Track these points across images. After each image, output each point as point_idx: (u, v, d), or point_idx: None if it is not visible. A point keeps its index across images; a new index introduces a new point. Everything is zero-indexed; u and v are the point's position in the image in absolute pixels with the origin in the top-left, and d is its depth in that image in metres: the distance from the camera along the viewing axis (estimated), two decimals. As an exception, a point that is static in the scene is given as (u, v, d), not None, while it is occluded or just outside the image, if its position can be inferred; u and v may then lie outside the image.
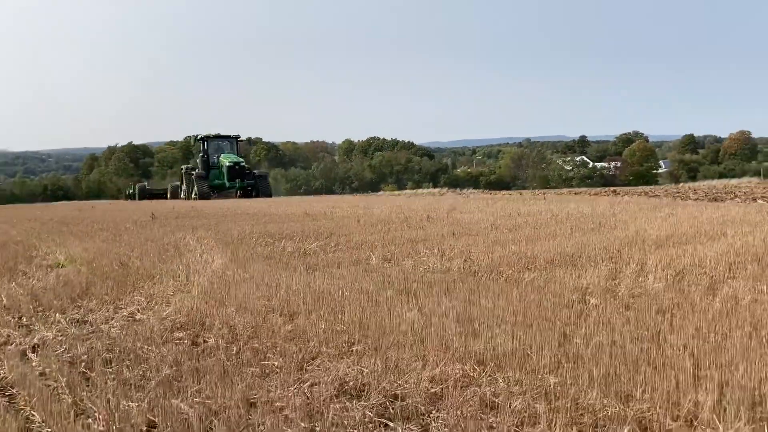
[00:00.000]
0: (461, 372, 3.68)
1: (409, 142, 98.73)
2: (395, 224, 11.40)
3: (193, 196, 34.34)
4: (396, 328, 4.44)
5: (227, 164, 34.37)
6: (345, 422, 3.09)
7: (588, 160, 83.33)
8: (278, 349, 4.25)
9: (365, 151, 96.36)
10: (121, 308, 5.75)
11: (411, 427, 3.04)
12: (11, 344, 4.74)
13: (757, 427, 2.81)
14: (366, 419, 3.13)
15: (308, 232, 10.33)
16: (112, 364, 4.05)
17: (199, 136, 37.49)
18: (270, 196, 33.84)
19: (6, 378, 4.00)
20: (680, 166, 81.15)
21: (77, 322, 5.32)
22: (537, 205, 15.52)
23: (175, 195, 37.33)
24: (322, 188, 67.72)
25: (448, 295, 5.35)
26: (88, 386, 3.67)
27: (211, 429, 3.05)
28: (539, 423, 3.02)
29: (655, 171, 79.30)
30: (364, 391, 3.51)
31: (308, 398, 3.37)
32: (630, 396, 3.20)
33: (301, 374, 3.78)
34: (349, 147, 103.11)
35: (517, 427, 3.02)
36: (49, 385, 3.74)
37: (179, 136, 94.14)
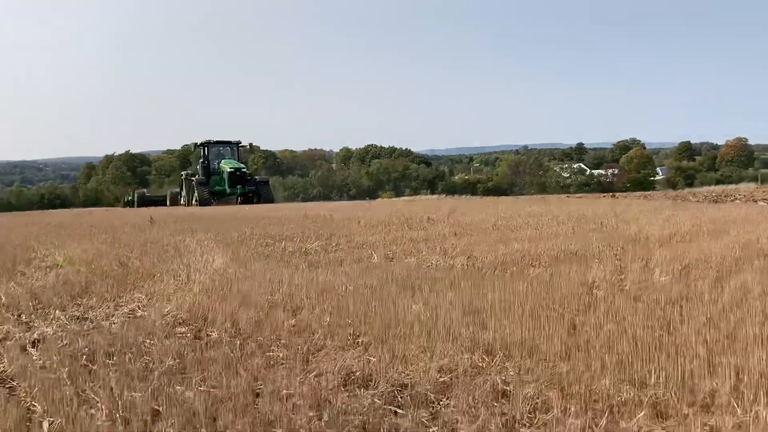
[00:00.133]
0: (470, 362, 3.62)
1: (406, 149, 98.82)
2: (396, 225, 11.35)
3: (193, 202, 33.88)
4: (402, 320, 4.38)
5: (228, 170, 33.89)
6: (353, 410, 3.02)
7: (585, 167, 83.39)
8: (282, 342, 4.18)
9: (363, 158, 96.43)
10: (122, 305, 5.67)
11: (422, 413, 2.98)
12: (10, 339, 4.66)
13: (776, 411, 2.75)
14: (375, 406, 3.06)
15: (308, 233, 10.28)
16: (114, 358, 3.98)
17: (199, 142, 37.01)
18: (272, 202, 33.43)
19: (6, 371, 3.92)
20: (677, 172, 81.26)
21: (77, 319, 5.24)
22: (537, 207, 15.49)
23: (175, 202, 36.84)
24: (319, 196, 67.60)
25: (453, 289, 5.29)
26: (90, 377, 3.59)
27: (216, 417, 2.98)
28: (552, 409, 2.96)
29: (652, 178, 79.40)
30: (371, 380, 3.44)
31: (315, 388, 3.30)
32: (644, 383, 3.14)
33: (306, 365, 3.71)
34: (346, 155, 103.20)
35: (529, 413, 2.96)
36: (50, 377, 3.66)
37: (177, 145, 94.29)
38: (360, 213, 15.43)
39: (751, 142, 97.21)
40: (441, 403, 3.13)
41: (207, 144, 36.23)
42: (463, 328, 4.09)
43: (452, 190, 62.43)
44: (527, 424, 2.88)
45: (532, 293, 4.99)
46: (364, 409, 3.03)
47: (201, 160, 36.17)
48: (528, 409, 2.99)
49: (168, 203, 36.99)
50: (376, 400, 3.14)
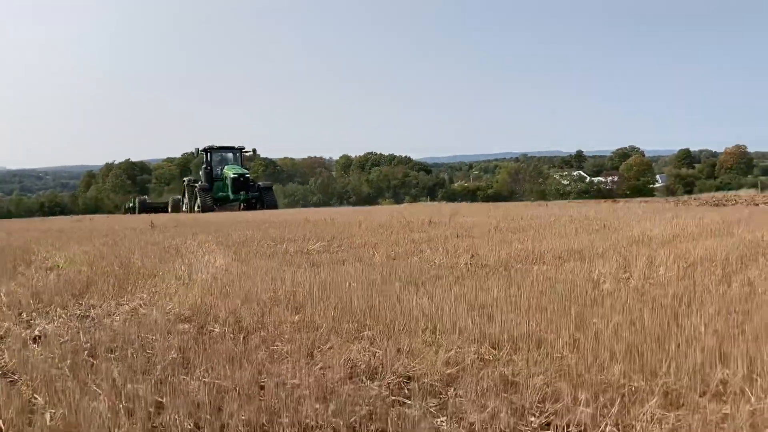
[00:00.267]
0: (476, 354, 3.58)
1: (406, 157, 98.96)
2: (397, 228, 11.31)
3: (195, 209, 33.59)
4: (407, 314, 4.34)
5: (232, 176, 33.53)
6: (360, 399, 2.98)
7: (585, 175, 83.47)
8: (286, 337, 4.14)
9: (362, 166, 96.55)
10: (123, 304, 5.63)
11: (430, 403, 2.93)
12: (11, 336, 4.61)
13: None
14: (382, 396, 3.02)
15: (310, 235, 10.24)
16: (116, 353, 3.93)
17: (202, 148, 36.50)
18: (276, 208, 33.02)
19: (7, 365, 3.88)
20: (676, 180, 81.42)
21: (79, 317, 5.20)
22: (539, 211, 15.46)
23: (177, 208, 36.47)
24: (319, 203, 67.64)
25: (458, 285, 5.25)
26: (91, 370, 3.55)
27: (221, 407, 2.93)
28: (562, 399, 2.91)
29: (651, 185, 79.50)
30: (377, 373, 3.40)
31: (320, 379, 3.26)
32: (654, 372, 3.10)
33: (311, 359, 3.67)
34: (346, 162, 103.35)
35: (539, 403, 2.92)
36: (51, 371, 3.61)
37: (177, 153, 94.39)
38: (361, 217, 15.40)
39: (750, 149, 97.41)
40: (448, 393, 3.09)
41: (210, 150, 35.83)
42: (469, 320, 4.05)
43: (452, 197, 62.53)
44: (536, 414, 2.84)
45: (538, 288, 4.95)
46: (371, 400, 2.99)
47: (204, 165, 35.79)
48: (537, 398, 2.95)
49: (170, 210, 36.67)
50: (383, 390, 3.10)
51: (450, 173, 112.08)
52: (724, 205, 16.81)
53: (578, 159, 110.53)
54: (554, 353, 3.44)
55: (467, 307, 4.47)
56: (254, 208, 32.43)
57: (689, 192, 64.31)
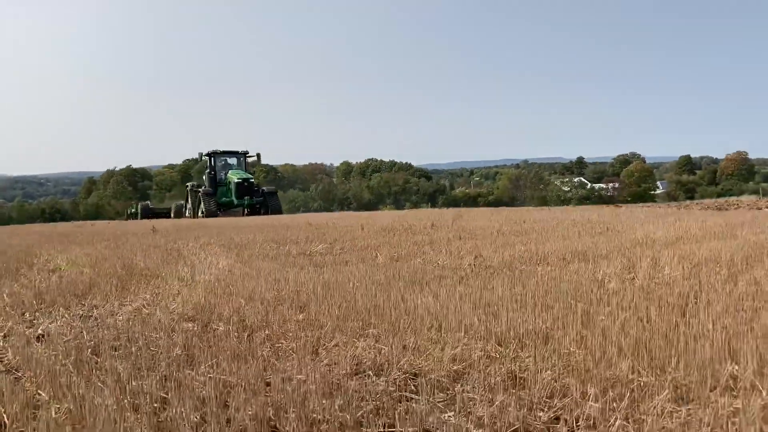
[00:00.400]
0: (483, 351, 3.55)
1: (406, 163, 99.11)
2: (399, 231, 11.30)
3: (199, 214, 33.13)
4: (412, 312, 4.32)
5: (236, 181, 32.91)
6: (366, 395, 2.96)
7: (586, 181, 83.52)
8: (291, 334, 4.12)
9: (363, 172, 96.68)
10: (126, 304, 5.61)
11: (438, 397, 2.91)
12: (14, 335, 4.59)
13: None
14: (389, 391, 3.00)
15: (312, 238, 10.23)
16: (120, 351, 3.91)
17: (206, 152, 35.66)
18: (280, 213, 32.33)
19: (10, 362, 3.86)
20: (678, 186, 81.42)
21: (82, 316, 5.18)
22: (541, 215, 15.45)
23: (180, 214, 35.85)
24: (320, 209, 67.69)
25: (463, 284, 5.23)
26: (96, 367, 3.53)
27: (227, 402, 2.91)
28: (570, 394, 2.89)
29: (653, 191, 79.50)
30: (383, 369, 3.38)
31: (326, 375, 3.24)
32: (662, 368, 3.08)
33: (316, 356, 3.65)
34: (347, 169, 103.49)
35: (547, 398, 2.90)
36: (55, 367, 3.60)
37: (178, 159, 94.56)
38: (363, 221, 15.39)
39: (752, 155, 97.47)
40: (455, 389, 3.06)
41: (214, 154, 35.19)
42: (475, 318, 4.03)
43: (453, 203, 62.57)
44: (545, 408, 2.82)
45: (543, 287, 4.93)
46: (378, 395, 2.97)
47: (207, 170, 35.12)
48: (545, 394, 2.92)
49: (172, 215, 36.25)
50: (389, 386, 3.08)
51: (451, 179, 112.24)
52: (726, 209, 16.79)
53: (579, 165, 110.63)
54: (561, 349, 3.42)
55: (472, 306, 4.46)
56: (258, 213, 32.02)
57: (690, 198, 64.32)
